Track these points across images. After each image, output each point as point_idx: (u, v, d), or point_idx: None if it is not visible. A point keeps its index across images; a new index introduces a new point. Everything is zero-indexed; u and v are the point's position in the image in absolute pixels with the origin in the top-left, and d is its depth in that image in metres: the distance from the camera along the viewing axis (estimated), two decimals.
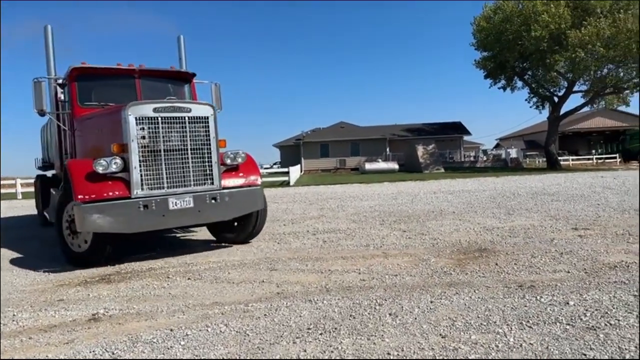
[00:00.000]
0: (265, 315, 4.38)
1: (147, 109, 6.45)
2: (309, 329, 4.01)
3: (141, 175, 6.38)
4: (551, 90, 37.47)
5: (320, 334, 3.89)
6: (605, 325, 3.83)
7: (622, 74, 32.65)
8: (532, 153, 51.43)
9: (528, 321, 3.99)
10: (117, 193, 6.25)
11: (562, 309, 4.24)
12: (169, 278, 5.92)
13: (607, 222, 8.63)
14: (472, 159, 48.70)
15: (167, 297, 5.13)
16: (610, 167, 34.01)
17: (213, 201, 6.88)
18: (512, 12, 32.81)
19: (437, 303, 4.53)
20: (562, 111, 36.61)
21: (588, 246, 6.65)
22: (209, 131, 6.85)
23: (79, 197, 6.10)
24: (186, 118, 6.64)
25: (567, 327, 3.82)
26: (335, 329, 3.98)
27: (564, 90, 36.35)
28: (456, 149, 50.26)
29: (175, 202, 6.54)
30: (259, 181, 7.63)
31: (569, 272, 5.42)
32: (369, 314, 4.31)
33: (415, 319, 4.16)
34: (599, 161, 42.71)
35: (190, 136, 6.68)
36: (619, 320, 3.91)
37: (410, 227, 9.16)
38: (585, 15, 31.47)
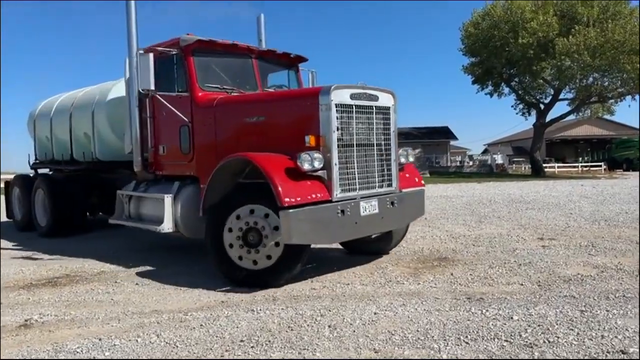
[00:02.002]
0: (201, 325, 4.24)
1: (344, 95, 5.44)
2: (242, 341, 3.88)
3: (339, 175, 5.46)
4: (537, 97, 37.64)
5: (252, 347, 3.76)
6: (544, 342, 3.74)
7: (607, 83, 32.85)
8: (519, 159, 51.64)
9: (467, 336, 3.89)
10: (319, 195, 5.18)
11: (505, 324, 4.15)
12: (117, 283, 5.77)
13: (574, 233, 8.59)
14: (458, 164, 48.83)
15: (108, 303, 4.99)
16: (594, 175, 34.18)
17: (391, 206, 5.96)
18: (500, 18, 32.86)
19: (381, 315, 4.43)
20: (548, 118, 36.77)
21: (549, 257, 6.58)
22: (389, 124, 5.97)
23: (286, 200, 4.92)
24: (374, 107, 5.75)
25: (505, 343, 3.73)
26: (269, 341, 3.86)
27: (550, 97, 36.51)
28: (443, 153, 50.37)
29: (365, 207, 5.59)
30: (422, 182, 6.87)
31: (522, 284, 5.34)
32: (308, 325, 4.19)
33: (354, 331, 4.04)
34: (584, 169, 42.93)
35: (375, 129, 5.81)
36: (558, 338, 3.82)
37: None
38: (572, 23, 31.61)
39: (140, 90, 6.23)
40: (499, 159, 47.15)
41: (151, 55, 6.08)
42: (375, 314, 4.45)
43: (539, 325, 4.07)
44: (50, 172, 10.65)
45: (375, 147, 5.78)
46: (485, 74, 36.10)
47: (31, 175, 10.91)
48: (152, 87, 6.10)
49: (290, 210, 4.90)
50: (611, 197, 15.12)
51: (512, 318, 4.27)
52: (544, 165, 39.37)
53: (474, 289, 5.22)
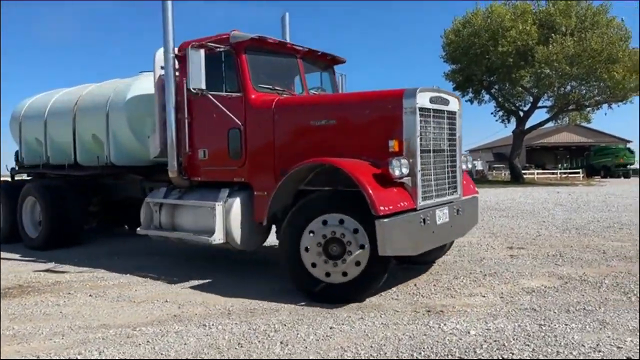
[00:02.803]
0: (148, 342, 4.07)
1: (425, 98, 5.17)
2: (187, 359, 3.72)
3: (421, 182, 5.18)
4: (517, 104, 38.02)
5: None
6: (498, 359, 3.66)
7: (584, 91, 33.33)
8: (499, 165, 52.12)
9: (420, 352, 3.79)
10: (405, 204, 4.89)
11: (462, 339, 4.05)
12: (70, 294, 5.57)
13: (544, 242, 8.58)
14: None
15: (56, 317, 4.78)
16: (572, 182, 34.65)
17: (456, 214, 5.73)
18: (481, 26, 33.16)
19: (337, 329, 4.30)
20: (527, 125, 37.16)
21: (515, 268, 6.54)
22: (455, 129, 5.73)
23: (381, 208, 4.61)
24: (445, 112, 5.53)
25: None
26: None
27: (529, 105, 36.92)
28: None
29: (440, 216, 5.34)
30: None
31: (484, 296, 5.27)
32: (259, 342, 4.05)
33: (306, 348, 3.91)
34: (563, 176, 43.50)
35: (446, 134, 5.59)
36: (513, 354, 3.74)
37: None
38: (551, 32, 32.03)
39: (192, 90, 5.64)
40: (479, 165, 47.51)
41: (202, 51, 5.60)
42: (331, 328, 4.33)
43: (495, 341, 3.99)
44: (40, 178, 9.53)
45: (445, 153, 5.58)
46: (466, 81, 36.37)
47: (18, 181, 10.04)
48: (204, 86, 5.64)
49: (386, 220, 4.62)
50: (585, 205, 15.26)
51: (469, 333, 4.18)
52: (524, 171, 39.78)
53: (435, 301, 5.13)
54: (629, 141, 54.63)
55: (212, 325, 4.44)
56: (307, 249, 4.99)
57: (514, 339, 4.02)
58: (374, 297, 5.28)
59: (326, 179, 5.24)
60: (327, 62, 7.06)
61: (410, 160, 4.97)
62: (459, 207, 5.79)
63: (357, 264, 4.86)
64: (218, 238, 5.66)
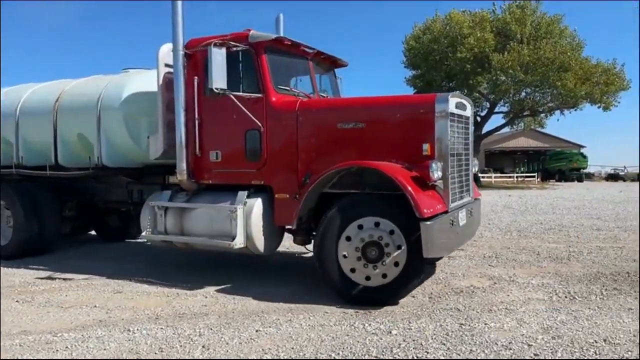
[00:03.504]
0: (67, 348, 4.01)
1: (453, 104, 5.25)
2: None
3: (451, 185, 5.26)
4: (474, 110, 38.99)
5: None
6: (412, 358, 3.76)
7: (538, 97, 34.50)
8: None
9: (339, 353, 3.87)
10: (440, 207, 4.97)
11: (382, 338, 4.15)
12: None
13: (484, 243, 8.85)
14: None
15: None
16: (527, 186, 35.77)
17: (470, 215, 5.83)
18: (440, 33, 33.92)
19: (263, 332, 4.34)
20: (485, 130, 38.14)
21: (449, 269, 6.71)
22: (469, 133, 5.86)
23: (425, 211, 4.68)
24: (463, 117, 5.63)
25: None
26: None
27: (486, 110, 37.93)
28: None
29: (461, 217, 5.44)
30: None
31: (414, 297, 5.40)
32: (181, 346, 4.04)
33: (227, 351, 3.93)
34: (519, 179, 44.82)
35: (464, 138, 5.71)
36: (427, 353, 3.86)
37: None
38: (507, 40, 33.02)
39: (215, 90, 5.39)
40: None
41: (224, 50, 5.42)
42: (257, 331, 4.36)
43: (413, 340, 4.10)
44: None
45: (463, 156, 5.69)
46: (426, 86, 37.01)
47: None
48: (226, 86, 5.43)
49: (431, 222, 4.69)
50: (532, 208, 15.79)
51: (390, 333, 4.28)
52: (481, 175, 40.77)
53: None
54: (582, 146, 56.81)
55: (137, 330, 4.40)
56: (345, 256, 5.04)
57: (432, 339, 4.15)
58: (311, 297, 5.34)
59: (351, 181, 5.25)
60: (329, 64, 7.02)
61: (442, 164, 5.07)
62: (471, 208, 5.94)
63: (396, 264, 4.94)
64: (239, 242, 5.48)
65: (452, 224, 5.13)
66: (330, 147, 5.47)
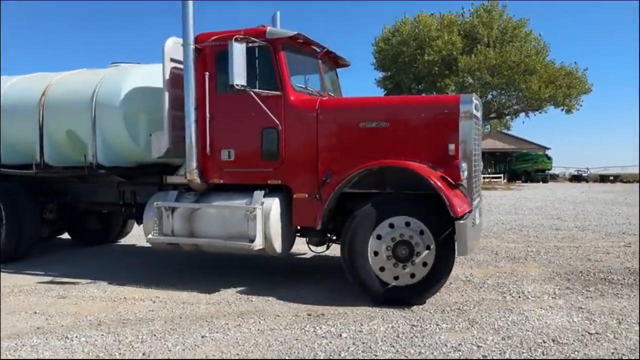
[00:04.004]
0: None
1: (473, 104, 5.24)
2: None
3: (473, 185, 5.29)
4: None
5: None
6: None
7: (504, 100, 35.22)
8: None
9: (286, 357, 3.75)
10: (466, 207, 4.95)
11: (332, 342, 4.06)
12: None
13: None
14: None
15: None
16: (493, 186, 36.38)
17: (479, 215, 5.78)
18: (409, 35, 34.28)
19: (209, 338, 4.18)
20: None
21: None
22: (479, 134, 5.76)
23: (458, 210, 4.72)
24: (478, 117, 5.60)
25: None
26: None
27: None
28: None
29: (477, 217, 5.40)
30: None
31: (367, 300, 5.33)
32: (120, 354, 3.85)
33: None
34: (486, 180, 45.59)
35: (478, 138, 5.64)
36: (376, 355, 3.79)
37: None
38: (474, 43, 33.60)
39: (236, 86, 5.17)
40: None
41: (244, 45, 5.22)
42: (203, 337, 4.20)
43: (363, 343, 4.02)
44: None
45: (478, 156, 5.64)
46: (396, 87, 37.37)
47: None
48: (246, 82, 5.23)
49: (463, 221, 4.69)
50: (496, 208, 16.02)
51: (341, 336, 4.19)
52: None
53: (321, 305, 5.12)
54: (547, 148, 58.20)
55: (76, 337, 4.19)
56: (375, 253, 5.00)
57: (382, 341, 4.07)
58: (260, 301, 5.21)
59: (373, 181, 5.19)
60: (332, 63, 6.88)
61: (466, 164, 5.08)
62: (480, 208, 5.95)
63: (424, 264, 4.93)
64: (259, 244, 5.28)
65: (474, 224, 5.14)
66: (352, 147, 5.39)
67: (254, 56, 5.44)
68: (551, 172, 51.89)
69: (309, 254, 7.00)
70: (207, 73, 5.63)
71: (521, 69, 31.84)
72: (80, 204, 7.76)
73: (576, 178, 52.18)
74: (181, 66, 5.80)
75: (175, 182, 6.23)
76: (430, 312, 4.82)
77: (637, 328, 4.34)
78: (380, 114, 5.44)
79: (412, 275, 4.98)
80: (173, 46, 5.91)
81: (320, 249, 6.18)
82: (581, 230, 10.48)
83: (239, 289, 5.71)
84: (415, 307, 4.98)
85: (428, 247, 4.90)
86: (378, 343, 4.02)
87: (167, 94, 5.87)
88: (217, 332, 4.30)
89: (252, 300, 5.26)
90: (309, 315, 4.75)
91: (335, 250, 5.95)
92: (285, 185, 5.55)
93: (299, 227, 5.73)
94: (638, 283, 5.66)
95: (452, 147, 5.08)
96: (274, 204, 5.40)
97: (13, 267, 6.98)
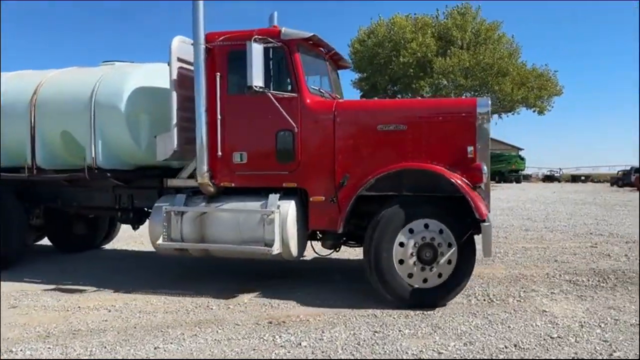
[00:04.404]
0: None
1: (489, 107, 5.31)
2: None
3: None
4: None
5: None
6: None
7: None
8: None
9: None
10: (487, 209, 5.01)
11: (290, 351, 3.93)
12: None
13: None
14: None
15: None
16: None
17: None
18: (384, 37, 34.36)
19: (162, 349, 4.01)
20: None
21: None
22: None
23: (484, 212, 4.81)
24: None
25: None
26: None
27: None
28: None
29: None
30: None
31: (333, 303, 5.22)
32: None
33: None
34: None
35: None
36: None
37: None
38: (448, 45, 33.88)
39: (255, 88, 5.09)
40: None
41: (262, 46, 5.16)
42: (156, 348, 4.02)
43: (323, 352, 3.91)
44: None
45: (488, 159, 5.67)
46: (372, 89, 37.43)
47: None
48: (263, 84, 5.15)
49: (487, 223, 4.79)
50: None
51: (300, 344, 4.06)
52: None
53: (284, 311, 4.99)
54: (520, 149, 59.24)
55: (20, 351, 3.97)
56: (401, 262, 5.00)
57: (342, 349, 3.96)
58: (221, 310, 5.05)
59: (389, 184, 5.16)
60: (336, 64, 6.78)
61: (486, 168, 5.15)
62: None
63: (449, 262, 4.97)
64: (277, 248, 5.16)
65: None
66: (370, 149, 5.37)
67: (269, 57, 5.35)
68: (524, 172, 52.76)
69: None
70: (218, 73, 5.47)
71: (494, 71, 32.19)
72: (71, 208, 7.38)
73: (549, 178, 53.24)
74: (188, 66, 5.70)
75: (176, 185, 6.03)
76: (394, 318, 4.72)
77: (598, 331, 4.33)
78: (398, 117, 5.43)
79: (440, 275, 5.01)
80: (179, 45, 5.74)
81: (326, 252, 6.14)
82: (550, 231, 10.57)
83: (200, 297, 5.52)
84: (380, 312, 4.88)
85: (450, 245, 4.96)
86: (338, 351, 3.91)
87: (174, 95, 5.68)
88: (171, 343, 4.12)
89: (212, 308, 5.09)
90: (270, 323, 4.60)
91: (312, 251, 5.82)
92: (301, 188, 5.48)
93: (312, 231, 5.66)
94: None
95: (471, 149, 5.13)
96: (291, 208, 5.30)
97: None
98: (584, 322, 4.55)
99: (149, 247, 8.58)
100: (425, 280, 5.01)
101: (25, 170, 6.59)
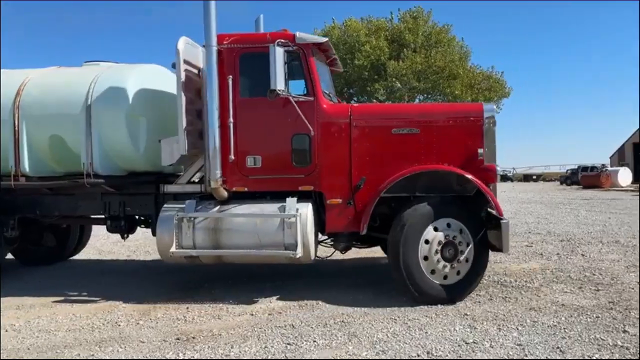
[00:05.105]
0: None
1: (495, 111, 5.61)
2: None
3: None
4: None
5: None
6: None
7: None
8: None
9: None
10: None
11: None
12: None
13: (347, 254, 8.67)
14: None
15: None
16: None
17: None
18: (339, 40, 34.40)
19: None
20: None
21: (303, 280, 6.38)
22: None
23: (501, 210, 5.17)
24: None
25: None
26: None
27: None
28: None
29: None
30: None
31: (253, 314, 4.99)
32: None
33: None
34: None
35: None
36: None
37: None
38: (401, 48, 34.26)
39: (278, 91, 5.08)
40: None
41: (283, 49, 5.16)
42: None
43: None
44: None
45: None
46: None
47: None
48: (284, 87, 5.15)
49: (506, 220, 5.04)
50: None
51: None
52: None
53: (197, 325, 4.71)
54: None
55: None
56: (425, 258, 5.15)
57: None
58: (130, 327, 4.72)
59: (405, 185, 5.31)
60: (331, 68, 6.70)
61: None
62: None
63: (467, 260, 5.18)
64: (300, 252, 5.11)
65: None
66: (385, 152, 5.50)
67: (287, 61, 5.34)
68: None
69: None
70: (230, 76, 5.39)
71: (446, 74, 32.76)
72: (50, 218, 6.79)
73: (502, 178, 54.55)
74: (191, 68, 5.63)
75: (174, 192, 5.88)
76: (312, 327, 4.53)
77: (515, 334, 4.26)
78: (411, 121, 5.59)
79: (458, 273, 5.20)
80: (185, 47, 5.54)
81: (324, 255, 6.16)
82: None
83: (113, 312, 5.17)
84: (299, 321, 4.69)
85: (468, 244, 5.17)
86: None
87: (183, 98, 5.46)
88: None
89: (119, 325, 4.75)
90: (178, 339, 4.32)
91: None
92: (317, 191, 5.51)
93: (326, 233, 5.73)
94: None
95: (481, 151, 5.38)
96: (309, 211, 5.30)
97: None
98: (502, 324, 4.48)
99: (81, 256, 8.17)
100: (445, 277, 5.19)
101: (11, 178, 6.05)
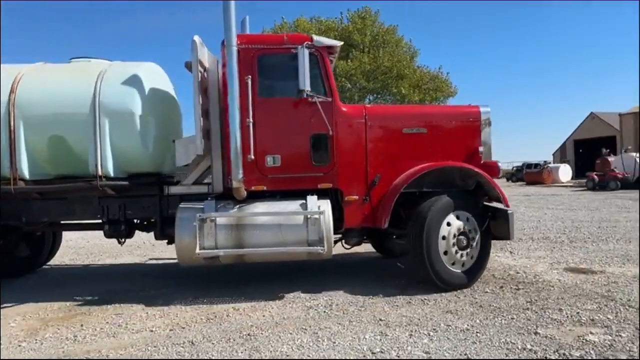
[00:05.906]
0: None
1: (488, 111, 6.13)
2: None
3: None
4: None
5: None
6: None
7: (381, 104, 36.37)
8: None
9: None
10: None
11: None
12: None
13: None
14: None
15: None
16: None
17: None
18: None
19: None
20: None
21: (220, 289, 6.01)
22: None
23: (508, 202, 5.82)
24: None
25: None
26: None
27: None
28: None
29: None
30: None
31: (153, 331, 4.56)
32: None
33: None
34: None
35: None
36: None
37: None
38: (350, 49, 34.29)
39: (306, 92, 5.33)
40: None
41: (307, 51, 5.32)
42: None
43: None
44: None
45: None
46: None
47: None
48: (309, 88, 5.31)
49: (511, 211, 5.67)
50: None
51: None
52: None
53: (85, 346, 4.25)
54: None
55: None
56: (445, 253, 5.50)
57: None
58: (7, 349, 4.21)
59: (430, 180, 5.77)
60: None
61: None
62: None
63: (477, 245, 5.67)
64: (325, 248, 5.26)
65: None
66: (397, 150, 5.84)
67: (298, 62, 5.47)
68: None
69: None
70: (249, 76, 5.41)
71: (394, 74, 33.04)
72: (38, 225, 6.26)
73: None
74: (201, 68, 5.56)
75: (179, 193, 5.83)
76: (214, 342, 4.17)
77: (425, 340, 4.05)
78: (419, 121, 5.98)
79: (472, 257, 5.64)
80: (200, 46, 5.45)
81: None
82: None
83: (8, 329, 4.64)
84: (202, 336, 4.31)
85: (476, 231, 5.63)
86: None
87: (199, 98, 5.48)
88: None
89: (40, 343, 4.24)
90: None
91: None
92: (336, 188, 5.71)
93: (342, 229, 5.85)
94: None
95: (481, 149, 5.95)
96: (328, 209, 5.44)
97: None
98: (415, 330, 4.27)
99: None
100: (463, 264, 5.59)
101: (11, 182, 5.56)
